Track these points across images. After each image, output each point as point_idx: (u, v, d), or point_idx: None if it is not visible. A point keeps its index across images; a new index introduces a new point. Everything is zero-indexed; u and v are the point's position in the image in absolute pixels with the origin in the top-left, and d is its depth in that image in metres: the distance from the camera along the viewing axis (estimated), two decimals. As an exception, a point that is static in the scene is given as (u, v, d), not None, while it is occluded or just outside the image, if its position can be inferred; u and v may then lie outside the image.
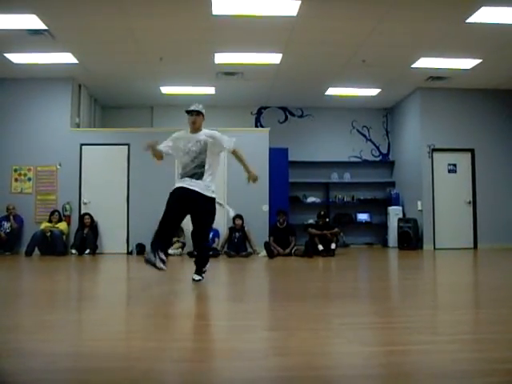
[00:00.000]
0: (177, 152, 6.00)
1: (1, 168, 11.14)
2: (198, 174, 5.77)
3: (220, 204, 6.30)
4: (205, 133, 5.96)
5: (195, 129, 5.95)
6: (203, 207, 5.80)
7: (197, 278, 5.95)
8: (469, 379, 2.55)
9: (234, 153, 6.07)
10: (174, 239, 10.84)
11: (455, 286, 6.17)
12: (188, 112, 5.99)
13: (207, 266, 6.08)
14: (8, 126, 11.23)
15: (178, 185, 5.85)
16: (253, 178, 6.18)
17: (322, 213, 10.99)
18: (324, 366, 2.82)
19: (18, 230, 10.88)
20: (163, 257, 5.73)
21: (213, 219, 6.02)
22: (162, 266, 5.69)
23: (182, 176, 5.84)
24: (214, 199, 5.89)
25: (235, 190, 10.96)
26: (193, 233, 5.96)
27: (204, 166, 5.80)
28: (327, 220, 11.22)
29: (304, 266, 8.85)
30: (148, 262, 5.70)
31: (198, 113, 5.96)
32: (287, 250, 10.58)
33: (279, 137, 12.74)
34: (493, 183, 12.12)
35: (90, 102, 12.53)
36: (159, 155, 6.03)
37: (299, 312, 4.32)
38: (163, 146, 6.01)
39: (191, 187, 5.72)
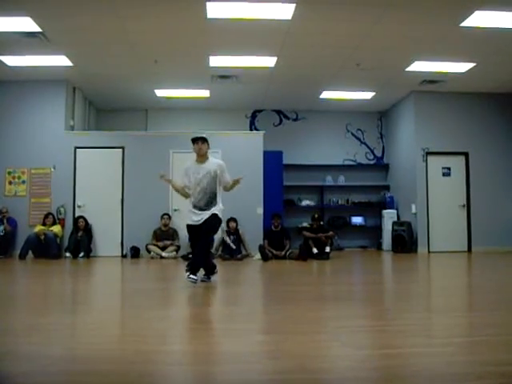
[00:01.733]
0: (188, 185, 6.39)
1: (-5, 171, 11.11)
2: (211, 204, 6.23)
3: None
4: (213, 162, 6.36)
5: (201, 156, 6.30)
6: (207, 221, 6.22)
7: (193, 277, 6.08)
8: (463, 382, 2.56)
9: (228, 185, 6.51)
10: (168, 242, 10.85)
11: (449, 289, 6.18)
12: (193, 140, 6.29)
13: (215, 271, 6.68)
14: (2, 128, 11.19)
15: (192, 219, 6.27)
16: (237, 181, 6.53)
17: (316, 216, 11.00)
18: (319, 369, 2.82)
19: (11, 232, 10.84)
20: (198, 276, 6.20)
21: (216, 228, 6.45)
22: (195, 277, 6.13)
23: (196, 206, 6.26)
24: (216, 215, 6.28)
25: (230, 193, 10.94)
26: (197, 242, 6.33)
27: (216, 196, 6.27)
28: (321, 223, 11.23)
29: (298, 269, 8.85)
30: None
31: (204, 140, 6.25)
32: (282, 253, 10.58)
33: (274, 140, 12.74)
34: (487, 186, 12.16)
35: (84, 104, 12.51)
36: (176, 187, 6.62)
37: (293, 315, 4.32)
38: (182, 182, 6.45)
39: (199, 221, 6.21)
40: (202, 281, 6.30)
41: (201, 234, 6.18)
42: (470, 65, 10.13)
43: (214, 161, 6.41)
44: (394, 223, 12.39)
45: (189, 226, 6.35)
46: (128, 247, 11.11)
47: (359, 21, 8.04)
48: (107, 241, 11.28)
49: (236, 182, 6.48)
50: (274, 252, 10.60)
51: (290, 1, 7.33)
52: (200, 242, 6.19)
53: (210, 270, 6.52)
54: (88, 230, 11.04)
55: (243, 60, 9.89)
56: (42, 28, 8.21)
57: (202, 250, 6.23)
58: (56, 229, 10.84)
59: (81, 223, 10.94)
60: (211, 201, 6.22)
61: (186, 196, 6.49)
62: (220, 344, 3.48)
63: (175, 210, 11.24)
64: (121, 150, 11.46)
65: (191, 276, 6.00)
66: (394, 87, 11.83)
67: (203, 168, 6.25)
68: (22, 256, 10.38)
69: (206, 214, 6.18)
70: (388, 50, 9.38)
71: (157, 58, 9.75)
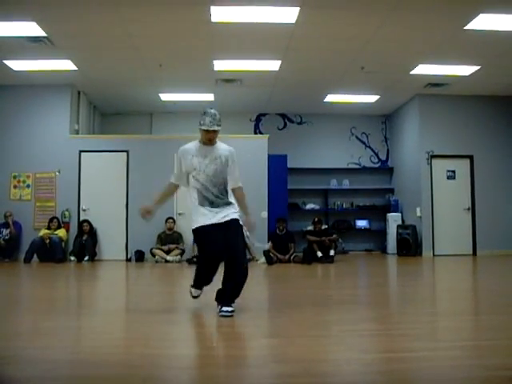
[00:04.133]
0: (187, 171, 4.81)
1: (0, 175, 11.13)
2: (223, 199, 4.74)
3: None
4: (222, 147, 4.88)
5: (211, 144, 4.82)
6: (234, 229, 4.71)
7: (229, 309, 4.54)
8: (468, 386, 2.55)
9: (238, 189, 4.93)
10: (173, 246, 10.85)
11: (454, 293, 6.16)
12: (207, 131, 4.71)
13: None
14: (7, 132, 11.22)
15: (204, 221, 4.65)
16: (249, 226, 4.93)
17: (316, 219, 10.97)
18: (323, 372, 2.81)
19: (16, 236, 10.86)
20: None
21: (243, 240, 4.82)
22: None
23: (203, 203, 4.70)
24: (238, 220, 4.79)
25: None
26: (228, 261, 4.65)
27: (226, 187, 4.80)
28: (325, 226, 11.22)
29: (303, 273, 8.84)
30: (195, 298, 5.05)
31: (219, 129, 4.78)
32: (286, 257, 10.57)
33: (278, 143, 12.74)
34: (492, 190, 12.12)
35: (89, 108, 12.53)
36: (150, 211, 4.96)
37: (298, 319, 4.32)
38: (174, 178, 4.96)
39: (223, 220, 4.67)
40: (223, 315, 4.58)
41: (231, 243, 4.61)
42: (475, 68, 10.11)
43: (223, 146, 4.90)
44: (398, 226, 12.36)
45: (202, 229, 4.64)
46: (132, 251, 11.10)
47: (363, 24, 8.04)
48: (112, 244, 11.29)
49: (248, 216, 4.95)
50: (279, 256, 10.58)
51: (294, 4, 7.33)
52: (236, 258, 4.62)
53: (238, 289, 4.69)
54: (93, 233, 11.05)
55: (247, 64, 9.90)
56: (46, 32, 8.24)
57: (243, 271, 4.62)
58: (61, 233, 10.85)
59: (85, 227, 10.95)
60: (223, 193, 4.75)
61: (172, 192, 5.07)
62: (225, 348, 3.47)
63: (180, 214, 11.25)
64: (125, 153, 11.48)
65: (228, 309, 4.51)
66: (398, 90, 11.82)
67: (211, 152, 4.76)
68: (27, 260, 10.40)
69: (226, 212, 4.70)
70: (392, 54, 9.37)
71: (161, 62, 9.77)
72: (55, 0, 7.15)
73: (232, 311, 4.51)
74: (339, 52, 9.29)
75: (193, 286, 5.01)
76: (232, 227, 4.66)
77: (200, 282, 4.95)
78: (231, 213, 4.71)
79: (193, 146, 4.84)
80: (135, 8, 7.44)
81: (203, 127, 4.70)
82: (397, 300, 5.95)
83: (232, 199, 4.81)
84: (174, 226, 11.08)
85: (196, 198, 4.74)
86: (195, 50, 9.19)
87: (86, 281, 8.27)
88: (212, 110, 4.75)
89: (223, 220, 4.65)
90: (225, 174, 4.77)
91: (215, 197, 4.72)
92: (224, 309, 4.52)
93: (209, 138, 4.75)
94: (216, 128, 4.69)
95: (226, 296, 4.61)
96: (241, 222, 4.77)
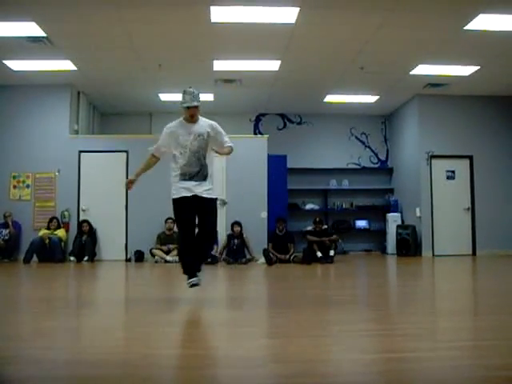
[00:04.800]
0: (172, 147, 5.27)
1: (-1, 175, 11.15)
2: (202, 174, 5.17)
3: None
4: (204, 123, 5.32)
5: (194, 120, 5.27)
6: (211, 209, 5.26)
7: (194, 280, 5.17)
8: (468, 386, 2.55)
9: (229, 148, 5.41)
10: (172, 246, 10.84)
11: (454, 293, 6.16)
12: (188, 107, 5.19)
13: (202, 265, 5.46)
14: (7, 132, 11.22)
15: (182, 193, 5.16)
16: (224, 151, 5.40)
17: (318, 219, 10.98)
18: (323, 373, 2.81)
19: (16, 236, 10.85)
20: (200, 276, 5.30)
21: (216, 221, 5.39)
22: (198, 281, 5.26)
23: (184, 177, 5.16)
24: (216, 199, 5.40)
25: (234, 196, 10.99)
26: (200, 234, 5.25)
27: (206, 163, 5.22)
28: (325, 227, 11.22)
29: (303, 273, 8.84)
30: (194, 286, 5.23)
31: (198, 106, 5.24)
32: (286, 257, 10.57)
33: (278, 144, 12.74)
34: (491, 190, 12.12)
35: (88, 108, 12.54)
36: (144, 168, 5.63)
37: (298, 319, 4.31)
38: (156, 150, 5.44)
39: (198, 194, 5.15)
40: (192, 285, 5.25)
41: (204, 225, 5.21)
42: (474, 68, 10.12)
43: (205, 121, 5.33)
44: (398, 227, 12.37)
45: (180, 200, 5.17)
46: (132, 251, 11.11)
47: (363, 24, 8.05)
48: (111, 245, 11.28)
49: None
50: (278, 256, 10.59)
51: (294, 5, 7.33)
52: (207, 225, 5.24)
53: (203, 257, 5.49)
54: (92, 233, 11.05)
55: (247, 64, 9.91)
56: (46, 33, 8.24)
57: (212, 236, 5.33)
58: (60, 233, 10.85)
59: (85, 227, 10.95)
60: (204, 169, 5.18)
61: (153, 164, 5.54)
62: (224, 348, 3.47)
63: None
64: (125, 153, 11.47)
65: (193, 280, 5.17)
66: (398, 90, 11.82)
67: (194, 129, 5.20)
68: (27, 260, 10.40)
69: (203, 188, 5.15)
70: (392, 54, 9.38)
71: (161, 63, 9.77)
72: (55, 0, 7.16)
73: (199, 280, 5.18)
74: (339, 52, 9.30)
75: (185, 273, 5.28)
76: (207, 206, 5.20)
77: (187, 261, 5.27)
78: (209, 190, 5.21)
79: (178, 124, 5.33)
80: (135, 8, 7.44)
81: (184, 105, 5.20)
82: (396, 300, 5.95)
83: (210, 175, 5.25)
84: (173, 227, 11.06)
85: (178, 173, 5.20)
86: (195, 50, 9.20)
87: (85, 281, 8.27)
88: (190, 89, 5.24)
89: (201, 195, 5.15)
90: (207, 150, 5.23)
91: (196, 172, 5.18)
92: (190, 280, 5.17)
93: (191, 115, 5.23)
94: (196, 103, 5.18)
95: (194, 267, 5.23)
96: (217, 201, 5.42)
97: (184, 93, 5.23)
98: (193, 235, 5.21)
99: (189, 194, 5.13)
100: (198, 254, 5.29)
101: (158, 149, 5.43)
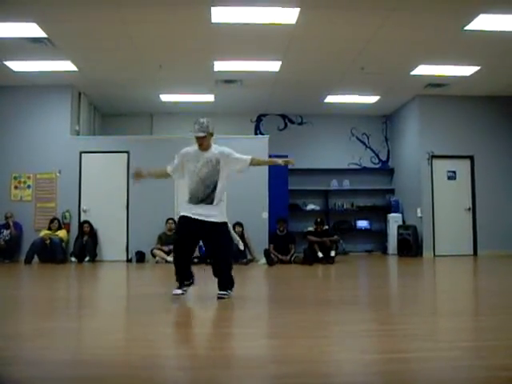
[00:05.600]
0: (184, 172, 5.56)
1: (0, 175, 11.12)
2: (209, 200, 5.38)
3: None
4: (216, 150, 5.51)
5: (204, 148, 5.47)
6: (219, 234, 5.43)
7: (223, 292, 5.43)
8: (469, 387, 2.55)
9: (253, 161, 5.61)
10: (172, 247, 10.81)
11: (455, 293, 6.16)
12: (196, 137, 5.44)
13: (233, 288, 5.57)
14: (8, 133, 11.22)
15: (186, 213, 5.41)
16: (289, 163, 5.77)
17: (319, 220, 10.98)
18: (324, 373, 2.81)
19: (17, 237, 10.86)
20: (185, 288, 5.54)
21: (230, 239, 5.62)
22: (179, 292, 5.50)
23: (191, 200, 5.41)
24: (226, 223, 5.54)
25: (235, 197, 10.98)
26: (215, 262, 5.54)
27: (216, 189, 5.40)
28: (326, 227, 11.22)
29: (303, 274, 8.84)
30: (175, 295, 5.46)
31: (204, 137, 5.41)
32: (287, 258, 10.57)
33: (279, 144, 12.72)
34: (492, 190, 12.12)
35: (89, 109, 12.54)
36: (141, 176, 5.92)
37: (299, 319, 4.31)
38: (170, 168, 5.70)
39: (202, 218, 5.33)
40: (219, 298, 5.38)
41: (212, 239, 5.41)
42: (475, 68, 10.11)
43: (217, 148, 5.52)
44: (399, 227, 12.36)
45: (183, 218, 5.41)
46: (133, 252, 11.11)
47: (364, 25, 8.04)
48: (112, 245, 11.28)
49: (281, 162, 5.69)
50: (280, 256, 10.59)
51: (295, 5, 7.33)
52: (219, 252, 5.46)
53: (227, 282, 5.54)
54: (93, 234, 11.05)
55: (248, 64, 9.90)
56: (47, 34, 8.24)
57: (226, 262, 5.51)
58: (61, 233, 10.86)
59: (86, 228, 10.95)
60: (212, 195, 5.38)
61: (164, 176, 5.89)
62: (225, 348, 3.47)
63: (180, 215, 11.24)
64: (126, 154, 11.47)
65: (176, 291, 5.45)
66: (398, 91, 11.82)
67: (204, 156, 5.42)
68: (28, 261, 10.40)
69: (208, 212, 5.33)
70: (392, 54, 9.37)
71: (161, 63, 9.77)
72: (56, 1, 7.16)
73: (224, 294, 5.37)
74: (339, 53, 9.29)
75: (176, 280, 5.54)
76: (215, 230, 5.37)
77: (177, 272, 5.49)
78: (217, 214, 5.40)
79: (191, 150, 5.56)
80: (135, 9, 7.44)
81: (192, 134, 5.48)
82: (397, 301, 5.95)
83: (219, 201, 5.45)
84: (174, 227, 11.07)
85: (188, 197, 5.45)
86: (195, 51, 9.19)
87: (86, 282, 8.27)
88: (201, 119, 5.47)
89: (207, 219, 5.34)
90: (216, 176, 5.41)
91: (204, 197, 5.38)
92: (219, 292, 5.40)
93: (199, 144, 5.46)
94: (200, 134, 5.37)
95: (219, 284, 5.46)
96: (229, 225, 5.57)
97: (195, 123, 5.45)
98: (183, 256, 5.49)
99: (193, 216, 5.36)
100: (220, 278, 5.51)
101: (172, 169, 5.70)
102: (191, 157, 5.49)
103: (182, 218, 5.44)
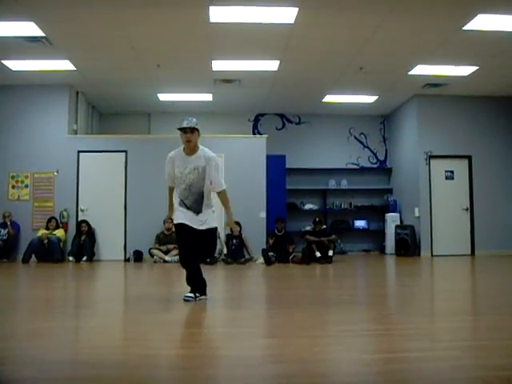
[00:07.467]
0: (174, 177, 5.38)
1: (-2, 175, 11.13)
2: (197, 207, 5.27)
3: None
4: (203, 155, 5.26)
5: (190, 148, 5.23)
6: (207, 240, 5.37)
7: (190, 295, 5.26)
8: (467, 386, 2.55)
9: (221, 193, 5.41)
10: (171, 246, 10.82)
11: (453, 293, 6.17)
12: (181, 129, 5.20)
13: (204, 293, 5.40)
14: (5, 132, 11.21)
15: (181, 220, 5.27)
16: (232, 228, 5.73)
17: (317, 219, 10.99)
18: (322, 373, 2.81)
19: (14, 236, 10.84)
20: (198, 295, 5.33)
21: (214, 248, 5.62)
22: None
23: (181, 204, 5.31)
24: (213, 230, 5.42)
25: (232, 196, 10.95)
26: (198, 255, 5.39)
27: (203, 197, 5.27)
28: (324, 227, 11.22)
29: (302, 273, 8.84)
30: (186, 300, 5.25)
31: (193, 129, 5.18)
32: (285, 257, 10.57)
33: (277, 144, 12.74)
34: (490, 190, 12.13)
35: (87, 108, 12.53)
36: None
37: (297, 319, 4.31)
38: (170, 182, 5.47)
39: (195, 226, 5.24)
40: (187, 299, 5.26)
41: (201, 243, 5.26)
42: (473, 68, 10.12)
43: (204, 154, 5.25)
44: (397, 227, 12.37)
45: (179, 225, 5.30)
46: (131, 251, 11.10)
47: (362, 25, 8.05)
48: (110, 245, 11.28)
49: (231, 220, 5.59)
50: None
51: (293, 5, 7.33)
52: (203, 253, 5.46)
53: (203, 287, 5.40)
54: (91, 234, 11.05)
55: (246, 64, 9.90)
56: (45, 33, 8.23)
57: (197, 268, 5.35)
58: (59, 233, 10.85)
59: (84, 227, 10.94)
60: (200, 201, 5.25)
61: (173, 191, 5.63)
62: (223, 348, 3.47)
63: (178, 214, 11.23)
64: (124, 153, 11.47)
65: (187, 296, 5.21)
66: (396, 91, 11.83)
67: (190, 162, 5.21)
68: (26, 260, 10.39)
69: (199, 221, 5.25)
70: (391, 54, 9.38)
71: (159, 63, 9.77)
72: (54, 0, 7.15)
73: (190, 297, 5.19)
74: (338, 52, 9.30)
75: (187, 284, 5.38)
76: (204, 236, 5.28)
77: (187, 274, 5.33)
78: (205, 220, 5.28)
79: (178, 154, 5.33)
80: (133, 8, 7.43)
81: (179, 127, 5.20)
82: (395, 300, 5.95)
83: (206, 207, 5.31)
84: (172, 227, 11.06)
85: (178, 199, 5.35)
86: (194, 51, 9.19)
87: (84, 281, 8.26)
88: (190, 117, 5.30)
89: (199, 228, 5.25)
90: (202, 183, 5.24)
91: (192, 203, 5.27)
92: (186, 294, 5.23)
93: (187, 139, 5.18)
94: (191, 125, 5.16)
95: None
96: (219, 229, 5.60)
97: (182, 119, 5.27)
98: (190, 257, 5.28)
99: (186, 222, 5.26)
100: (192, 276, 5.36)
101: (171, 181, 5.45)
102: (178, 162, 5.26)
103: (178, 226, 5.33)
